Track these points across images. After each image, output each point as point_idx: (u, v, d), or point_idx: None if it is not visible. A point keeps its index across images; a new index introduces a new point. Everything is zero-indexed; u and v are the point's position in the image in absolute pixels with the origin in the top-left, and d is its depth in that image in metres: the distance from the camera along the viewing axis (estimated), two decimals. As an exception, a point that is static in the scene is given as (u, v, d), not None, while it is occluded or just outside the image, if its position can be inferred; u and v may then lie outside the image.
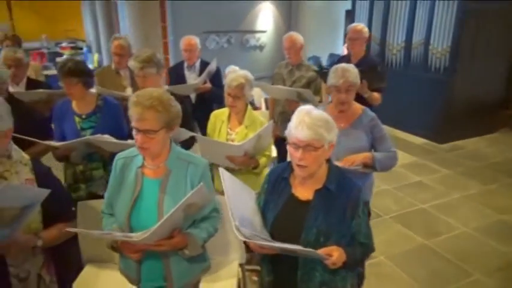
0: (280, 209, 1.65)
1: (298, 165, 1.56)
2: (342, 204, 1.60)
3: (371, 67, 3.21)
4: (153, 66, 2.47)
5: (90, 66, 11.33)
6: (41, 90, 3.04)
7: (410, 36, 6.23)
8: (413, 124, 6.37)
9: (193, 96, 3.69)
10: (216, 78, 3.75)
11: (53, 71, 9.64)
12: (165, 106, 1.61)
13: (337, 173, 1.67)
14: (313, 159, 1.53)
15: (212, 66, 3.58)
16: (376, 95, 3.33)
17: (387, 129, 6.57)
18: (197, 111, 3.57)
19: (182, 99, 2.80)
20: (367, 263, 2.25)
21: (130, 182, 1.72)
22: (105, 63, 11.25)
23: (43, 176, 1.70)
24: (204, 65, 3.68)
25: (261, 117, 2.75)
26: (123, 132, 2.61)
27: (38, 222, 1.68)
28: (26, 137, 2.26)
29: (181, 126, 2.64)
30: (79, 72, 2.46)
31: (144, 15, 5.93)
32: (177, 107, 1.68)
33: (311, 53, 10.29)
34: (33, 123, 2.51)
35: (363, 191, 2.49)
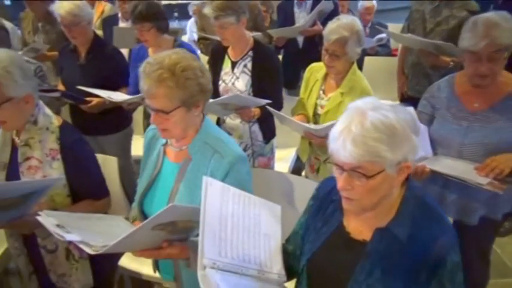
0: (321, 243, 1.13)
1: (344, 196, 1.00)
2: (414, 259, 1.00)
3: None
4: (230, 14, 2.01)
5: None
6: None
7: None
8: None
9: (300, 39, 3.09)
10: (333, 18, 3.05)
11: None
12: (179, 80, 1.21)
13: (416, 206, 1.04)
14: (364, 192, 0.96)
15: (325, 5, 2.88)
16: None
17: None
18: (303, 58, 3.00)
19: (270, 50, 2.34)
20: None
21: (153, 160, 1.45)
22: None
23: (69, 147, 1.56)
24: (319, 1, 2.99)
25: (365, 82, 2.05)
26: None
27: (63, 196, 1.56)
28: (91, 89, 2.17)
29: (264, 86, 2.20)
30: (152, 16, 2.21)
31: None
32: (199, 79, 1.25)
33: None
34: (116, 68, 2.44)
35: (503, 203, 1.69)
